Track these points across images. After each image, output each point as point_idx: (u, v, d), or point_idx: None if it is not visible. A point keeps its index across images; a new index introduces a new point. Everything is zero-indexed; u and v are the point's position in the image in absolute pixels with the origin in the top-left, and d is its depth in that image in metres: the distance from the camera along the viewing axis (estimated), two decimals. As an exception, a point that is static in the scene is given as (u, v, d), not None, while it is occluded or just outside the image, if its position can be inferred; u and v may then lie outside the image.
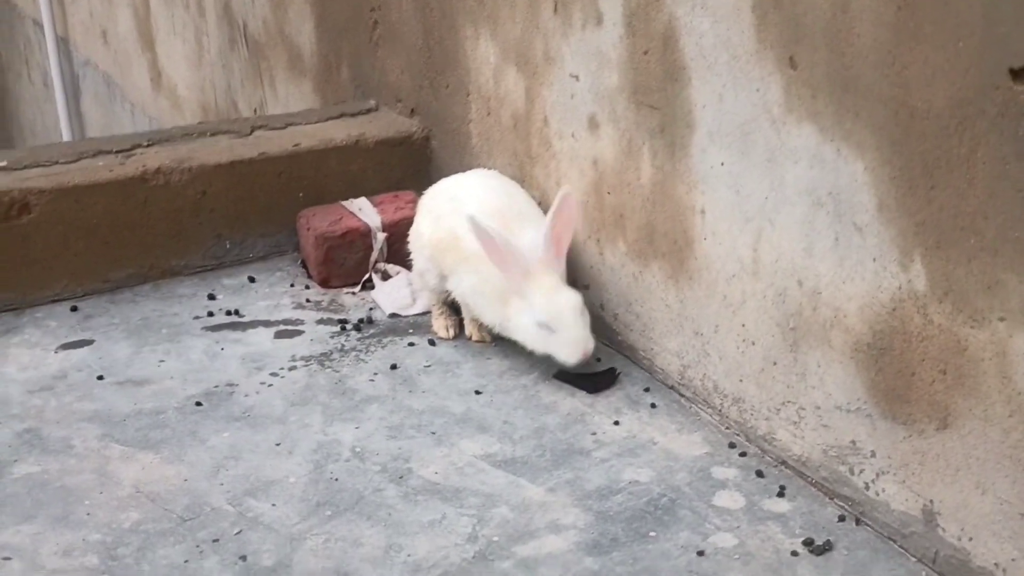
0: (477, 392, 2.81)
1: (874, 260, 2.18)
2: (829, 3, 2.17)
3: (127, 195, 3.31)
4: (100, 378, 2.88)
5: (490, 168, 3.29)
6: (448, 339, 3.05)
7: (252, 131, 3.62)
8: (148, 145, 3.49)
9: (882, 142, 2.11)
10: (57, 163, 3.35)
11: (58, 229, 3.24)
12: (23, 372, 2.91)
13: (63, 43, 7.25)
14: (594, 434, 2.64)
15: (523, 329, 2.80)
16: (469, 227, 2.76)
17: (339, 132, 3.61)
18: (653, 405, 2.74)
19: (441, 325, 3.08)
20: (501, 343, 3.02)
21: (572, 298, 2.77)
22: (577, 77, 2.91)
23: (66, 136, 7.25)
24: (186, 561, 2.24)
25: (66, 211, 3.24)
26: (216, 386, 2.85)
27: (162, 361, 2.96)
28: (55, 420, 2.71)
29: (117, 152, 3.43)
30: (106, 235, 3.29)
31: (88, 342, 3.06)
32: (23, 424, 2.70)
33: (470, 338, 3.05)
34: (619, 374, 2.87)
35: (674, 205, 2.67)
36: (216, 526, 2.34)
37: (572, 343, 2.73)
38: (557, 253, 2.81)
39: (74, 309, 3.22)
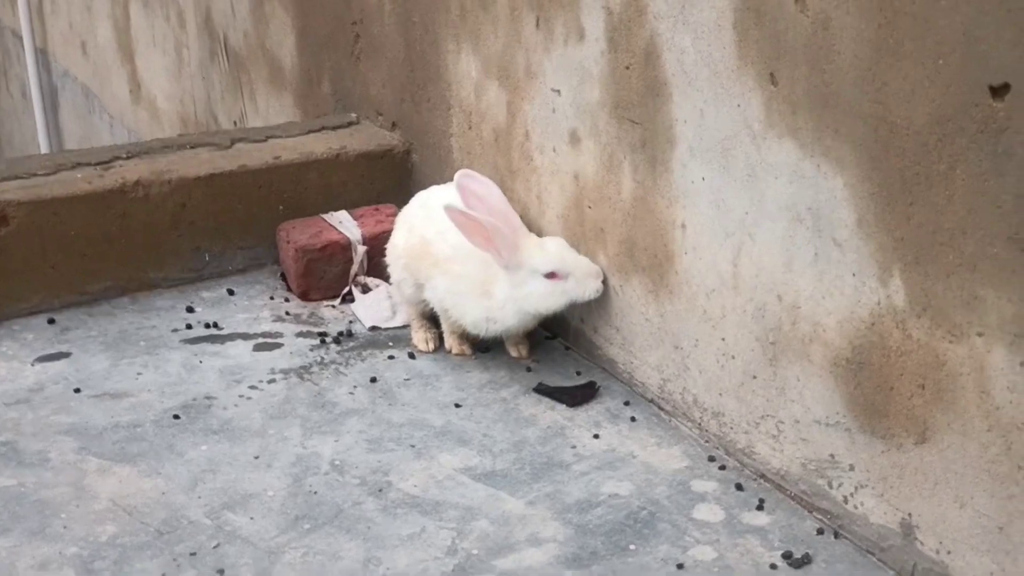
0: (457, 405, 2.81)
1: (853, 275, 2.19)
2: (810, 20, 2.18)
3: (106, 207, 3.29)
4: (77, 391, 2.86)
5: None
6: (427, 352, 3.05)
7: (232, 144, 3.61)
8: (127, 157, 3.47)
9: (862, 158, 2.13)
10: (35, 175, 3.33)
11: (36, 241, 3.21)
12: (-1, 384, 2.90)
13: (42, 54, 7.22)
14: (574, 447, 2.64)
15: (536, 295, 2.80)
16: (448, 216, 2.76)
17: (320, 145, 3.61)
18: (633, 419, 2.75)
19: (420, 338, 3.07)
20: (481, 356, 3.02)
21: (560, 240, 2.88)
22: (559, 92, 2.92)
23: (44, 148, 7.22)
24: (163, 575, 2.22)
25: (44, 223, 3.22)
26: (194, 399, 2.83)
27: (140, 374, 2.94)
28: (31, 433, 2.69)
29: (96, 164, 3.41)
30: (84, 247, 3.27)
31: (65, 355, 3.04)
32: (-1, 437, 2.68)
33: (450, 351, 3.04)
34: (599, 388, 2.87)
35: (655, 220, 2.68)
36: (193, 540, 2.32)
37: (589, 274, 2.82)
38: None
39: (51, 321, 3.20)
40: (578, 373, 2.94)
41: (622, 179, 2.76)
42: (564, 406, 2.80)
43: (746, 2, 2.31)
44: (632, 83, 2.67)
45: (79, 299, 3.28)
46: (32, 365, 2.98)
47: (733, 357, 2.52)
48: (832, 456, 2.32)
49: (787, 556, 2.26)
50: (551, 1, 2.87)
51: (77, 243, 3.27)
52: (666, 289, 2.69)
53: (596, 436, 2.68)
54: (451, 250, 2.85)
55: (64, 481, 2.51)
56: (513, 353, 3.03)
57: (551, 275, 2.79)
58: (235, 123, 4.82)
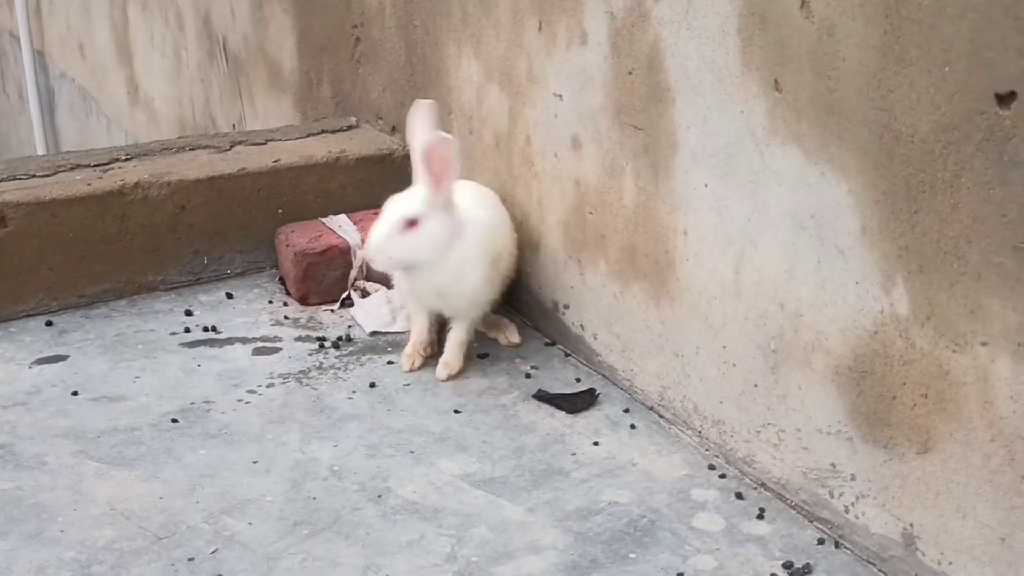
0: (456, 411, 2.80)
1: (856, 283, 2.18)
2: (815, 26, 2.18)
3: (104, 209, 3.28)
4: (75, 394, 2.84)
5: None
6: (408, 370, 2.96)
7: (232, 146, 3.60)
8: (126, 159, 3.46)
9: (866, 165, 2.12)
10: (34, 176, 3.32)
11: (34, 243, 3.20)
12: (-4, 387, 2.88)
13: (39, 56, 7.20)
14: (574, 455, 2.63)
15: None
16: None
17: (319, 149, 3.60)
18: (633, 426, 2.74)
19: (406, 354, 3.00)
20: (480, 363, 3.01)
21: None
22: (561, 97, 2.91)
23: (40, 150, 7.20)
24: (161, 580, 2.21)
25: (42, 225, 3.21)
26: (192, 403, 2.82)
27: (138, 377, 2.93)
28: (29, 436, 2.67)
29: (95, 166, 3.40)
30: (82, 249, 3.26)
31: (63, 357, 3.02)
32: (-5, 439, 2.66)
33: (449, 376, 2.93)
34: (598, 395, 2.86)
35: (656, 226, 2.67)
36: (192, 544, 2.31)
37: None
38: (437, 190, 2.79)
39: (49, 324, 3.18)
40: (578, 380, 2.93)
41: (624, 185, 2.75)
42: (564, 413, 2.79)
43: (751, 8, 2.30)
44: (635, 88, 2.66)
45: (77, 301, 3.27)
46: (30, 367, 2.97)
47: (734, 365, 2.51)
48: (833, 465, 2.31)
49: (788, 566, 2.25)
50: (553, 5, 2.87)
51: (75, 245, 3.25)
52: (667, 296, 2.68)
53: (596, 443, 2.67)
54: None
55: (62, 484, 2.49)
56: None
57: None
58: (233, 126, 4.81)
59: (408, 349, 3.00)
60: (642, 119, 2.65)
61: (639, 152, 2.68)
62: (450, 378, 2.92)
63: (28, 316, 3.20)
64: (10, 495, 2.46)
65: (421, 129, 2.83)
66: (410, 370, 2.96)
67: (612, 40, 2.70)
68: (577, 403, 2.82)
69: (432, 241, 2.79)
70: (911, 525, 2.17)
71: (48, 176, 3.32)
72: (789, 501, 2.43)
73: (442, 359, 2.95)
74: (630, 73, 2.66)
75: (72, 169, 3.37)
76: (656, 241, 2.68)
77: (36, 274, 3.22)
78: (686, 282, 2.61)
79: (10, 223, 3.17)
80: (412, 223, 2.77)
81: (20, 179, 3.29)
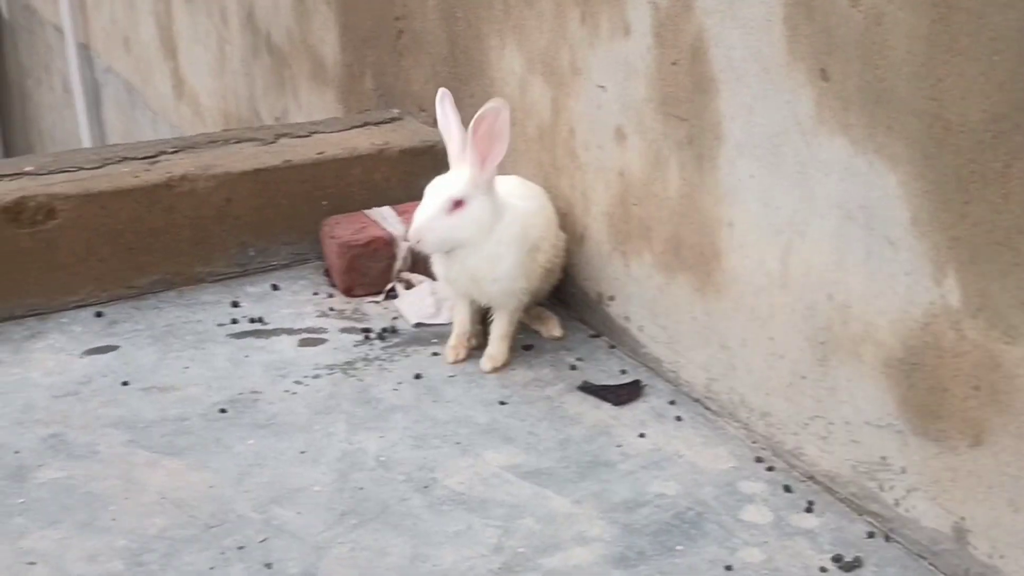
0: (501, 403, 2.80)
1: (907, 274, 2.16)
2: (862, 15, 2.16)
3: (152, 201, 3.31)
4: (125, 384, 2.88)
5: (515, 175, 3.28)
6: (452, 362, 2.96)
7: (277, 139, 3.62)
8: (173, 152, 3.49)
9: (915, 155, 2.10)
10: (83, 169, 3.35)
11: (83, 235, 3.24)
12: (48, 377, 2.92)
13: (84, 50, 7.28)
14: (619, 446, 2.63)
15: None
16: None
17: (363, 141, 3.61)
18: (678, 418, 2.73)
19: (450, 347, 3.00)
20: (524, 354, 3.01)
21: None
22: (604, 88, 2.90)
23: (86, 143, 7.28)
24: (212, 568, 2.23)
25: (91, 217, 3.24)
26: (240, 393, 2.85)
27: (186, 368, 2.96)
28: (81, 425, 2.71)
29: (143, 158, 3.43)
30: (131, 241, 3.29)
31: (113, 348, 3.06)
32: (48, 429, 2.70)
33: (493, 368, 2.93)
34: (644, 386, 2.86)
35: (702, 217, 2.66)
36: (241, 533, 2.33)
37: None
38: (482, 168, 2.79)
39: (99, 315, 3.22)
40: (623, 371, 2.93)
41: (668, 176, 2.74)
42: (609, 404, 2.79)
43: (797, -3, 2.29)
44: (679, 79, 2.65)
45: (126, 292, 3.30)
46: (80, 358, 3.01)
47: (782, 356, 2.49)
48: (883, 458, 2.29)
49: (837, 559, 2.23)
50: (596, -4, 2.86)
51: (124, 237, 3.29)
52: (713, 287, 2.67)
53: (642, 435, 2.66)
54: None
55: (113, 473, 2.53)
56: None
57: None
58: (277, 119, 4.83)
59: (452, 341, 3.01)
60: (686, 110, 2.65)
61: (683, 143, 2.68)
62: (495, 370, 2.93)
63: (78, 307, 3.24)
64: (62, 484, 2.50)
65: (453, 113, 2.84)
66: (454, 361, 2.97)
67: (656, 31, 2.69)
68: (622, 395, 2.82)
69: (477, 222, 2.79)
70: (962, 519, 2.15)
71: (96, 168, 3.36)
72: (838, 494, 2.42)
73: (486, 352, 2.95)
74: (674, 64, 2.65)
75: (120, 162, 3.40)
76: (701, 232, 2.67)
77: (85, 265, 3.25)
78: (732, 273, 2.60)
79: (60, 215, 3.21)
80: (458, 203, 2.78)
81: (68, 171, 3.33)
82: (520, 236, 2.87)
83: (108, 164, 3.38)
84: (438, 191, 2.81)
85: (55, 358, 3.01)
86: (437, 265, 2.99)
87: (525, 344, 3.05)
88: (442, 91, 2.87)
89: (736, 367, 2.64)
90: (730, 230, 2.58)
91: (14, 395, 2.83)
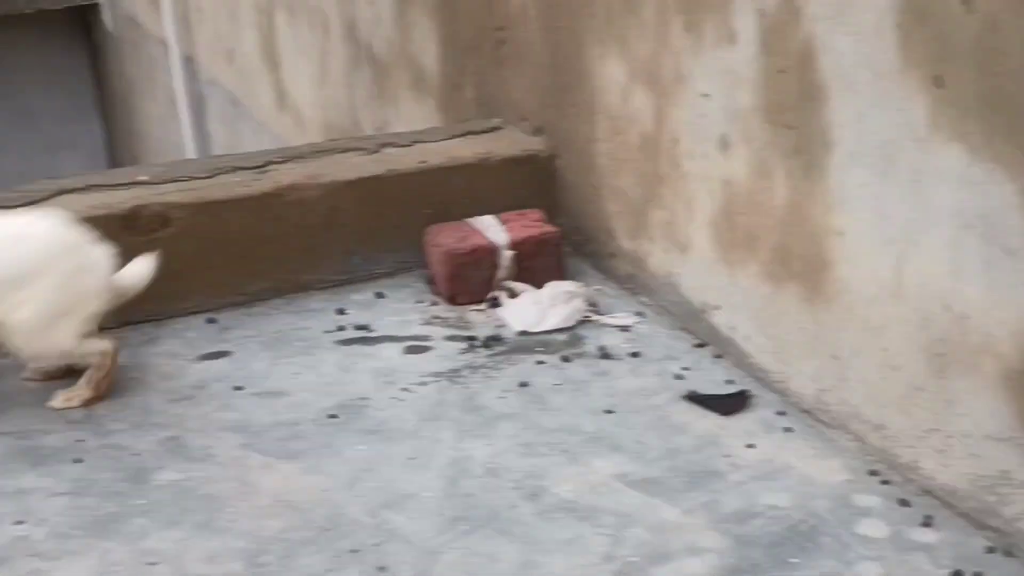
0: (608, 411, 2.81)
1: (1027, 285, 2.12)
2: (978, 21, 2.13)
3: (262, 210, 3.38)
4: (238, 389, 2.95)
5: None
6: None
7: (380, 148, 3.67)
8: (281, 161, 3.56)
9: (1036, 164, 2.06)
10: (195, 178, 3.44)
11: (196, 243, 3.31)
12: (164, 381, 3.00)
13: (188, 62, 7.46)
14: (728, 456, 2.61)
15: None
16: None
17: (465, 150, 3.64)
18: (788, 429, 2.71)
19: None
20: (630, 362, 3.00)
21: None
22: (708, 96, 2.90)
23: (191, 154, 7.45)
24: (328, 571, 2.28)
25: (204, 225, 3.32)
26: (349, 399, 2.89)
27: (297, 374, 3.02)
28: (197, 429, 2.78)
29: (251, 168, 3.51)
30: (242, 249, 3.37)
31: (226, 353, 3.14)
32: (166, 432, 2.77)
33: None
34: (751, 397, 2.84)
35: (810, 226, 2.64)
36: (355, 537, 2.38)
37: None
38: None
39: (211, 321, 3.30)
40: (729, 381, 2.91)
41: (775, 185, 2.73)
42: (716, 414, 2.77)
43: (909, 3, 2.26)
44: (786, 87, 2.63)
45: (237, 299, 3.37)
46: (195, 363, 3.09)
47: (896, 368, 2.46)
48: (1004, 472, 2.25)
49: (957, 575, 2.19)
50: (700, 4, 2.86)
51: (235, 245, 3.36)
52: (822, 297, 2.64)
53: (750, 446, 2.64)
54: None
55: (229, 476, 2.59)
56: None
57: None
58: (377, 129, 4.90)
59: None
60: (794, 118, 2.63)
61: (791, 152, 2.66)
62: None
63: (192, 313, 3.32)
64: (181, 486, 2.57)
65: None
66: None
67: (762, 38, 2.68)
68: (730, 405, 2.80)
69: None
70: (1086, 535, 2.10)
71: (208, 178, 3.44)
72: (957, 508, 2.37)
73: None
74: (781, 71, 2.64)
75: (230, 171, 3.48)
76: (810, 241, 2.65)
77: (198, 273, 3.33)
78: (843, 283, 2.57)
79: (174, 223, 3.29)
80: None
81: (180, 181, 3.41)
82: None
83: (219, 174, 3.47)
84: None
85: (171, 363, 3.09)
86: None
87: (632, 352, 3.04)
88: None
89: (848, 378, 2.61)
90: (840, 239, 2.55)
91: (132, 398, 2.92)
